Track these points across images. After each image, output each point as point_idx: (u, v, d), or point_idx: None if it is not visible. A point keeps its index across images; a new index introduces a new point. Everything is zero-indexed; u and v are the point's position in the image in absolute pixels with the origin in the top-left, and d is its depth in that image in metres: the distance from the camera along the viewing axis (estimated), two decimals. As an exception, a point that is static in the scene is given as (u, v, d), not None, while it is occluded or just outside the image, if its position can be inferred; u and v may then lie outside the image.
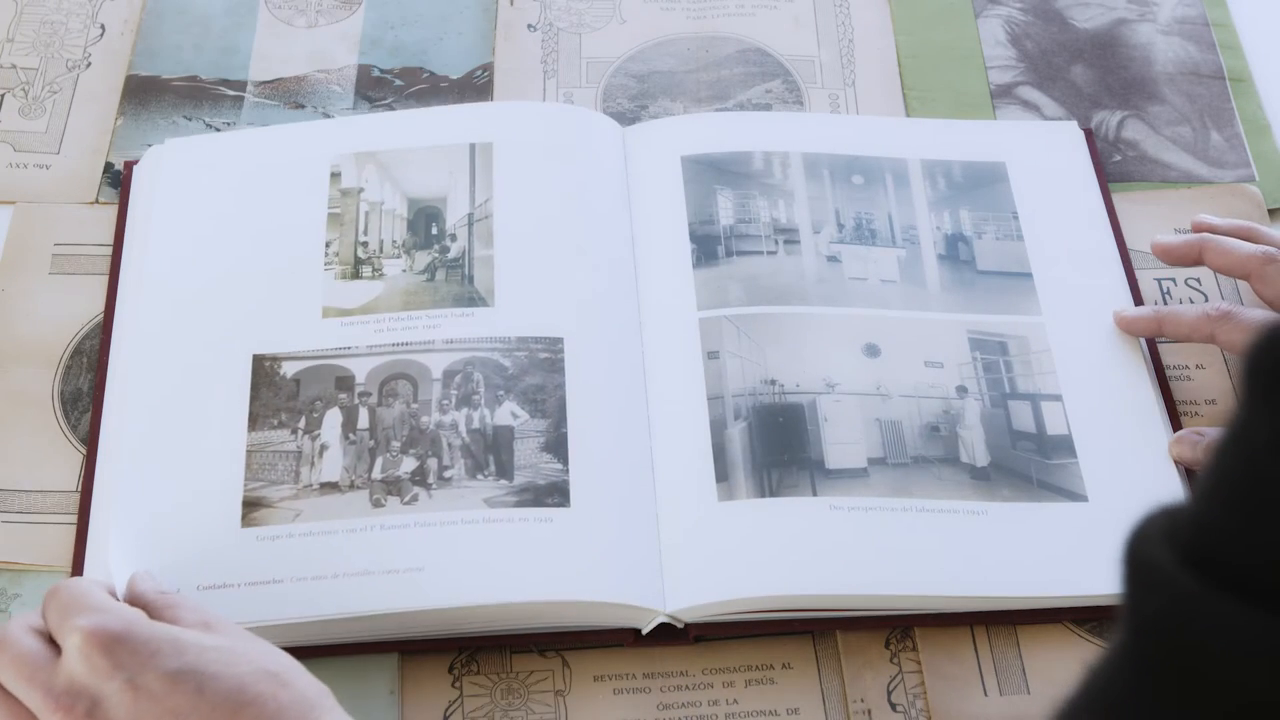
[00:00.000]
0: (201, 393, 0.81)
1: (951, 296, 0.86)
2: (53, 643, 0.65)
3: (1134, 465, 0.80)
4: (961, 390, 0.82)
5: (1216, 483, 0.46)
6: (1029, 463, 0.80)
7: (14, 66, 0.98)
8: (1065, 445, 0.81)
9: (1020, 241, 0.88)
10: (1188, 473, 0.81)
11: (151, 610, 0.68)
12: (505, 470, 0.78)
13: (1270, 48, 1.02)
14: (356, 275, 0.86)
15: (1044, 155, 0.93)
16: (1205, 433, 0.80)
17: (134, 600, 0.70)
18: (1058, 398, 0.82)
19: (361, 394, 0.81)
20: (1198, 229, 0.86)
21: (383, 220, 0.88)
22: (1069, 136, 0.94)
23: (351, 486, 0.78)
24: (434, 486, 0.78)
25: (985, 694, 0.75)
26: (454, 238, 0.87)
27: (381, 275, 0.86)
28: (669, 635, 0.75)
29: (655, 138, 0.92)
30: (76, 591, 0.66)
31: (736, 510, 0.77)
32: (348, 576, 0.74)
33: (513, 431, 0.79)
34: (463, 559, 0.75)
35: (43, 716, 0.63)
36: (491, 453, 0.79)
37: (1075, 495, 0.79)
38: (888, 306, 0.85)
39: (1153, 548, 0.47)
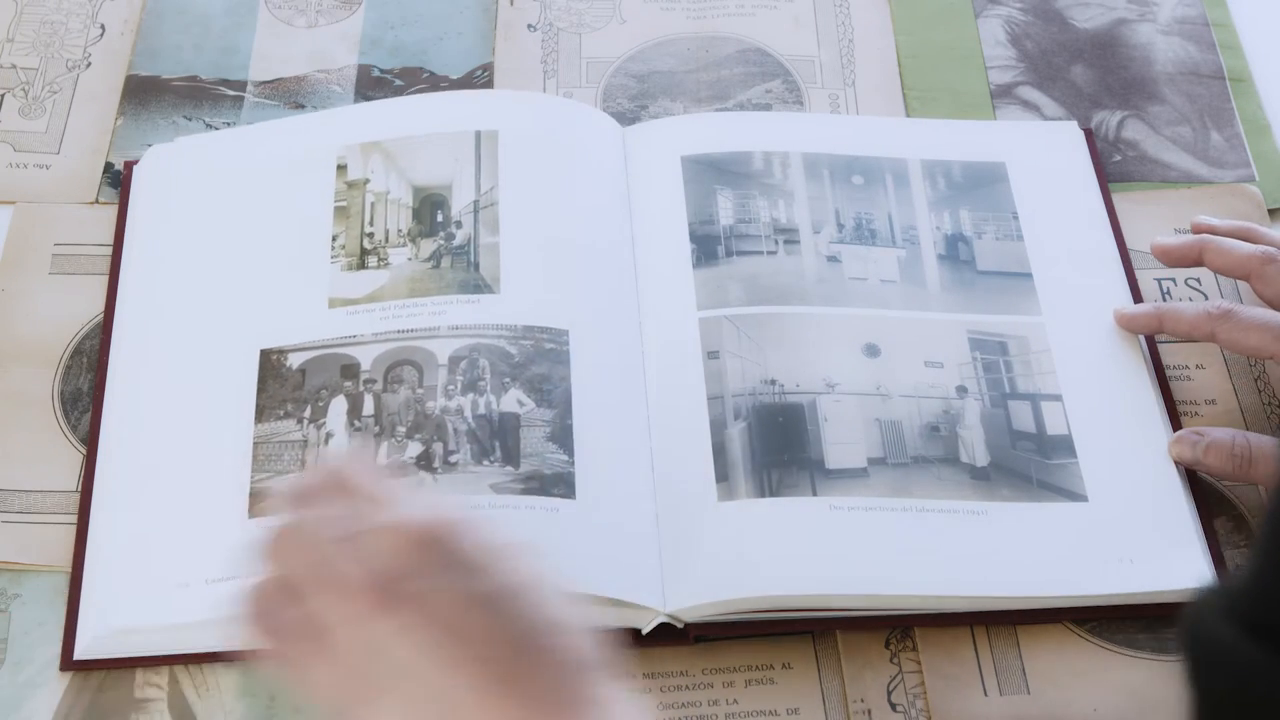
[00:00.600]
0: (208, 388, 0.82)
1: (951, 296, 0.86)
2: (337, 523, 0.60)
3: (1134, 465, 0.80)
4: (961, 390, 0.82)
5: (1270, 550, 0.46)
6: (1029, 463, 0.80)
7: (14, 66, 0.98)
8: (1065, 445, 0.81)
9: (1020, 242, 0.88)
10: (1188, 473, 0.81)
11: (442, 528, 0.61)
12: (511, 457, 0.78)
13: (1270, 48, 1.02)
14: (362, 266, 0.86)
15: (1044, 155, 0.93)
16: (1205, 433, 0.80)
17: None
18: (1058, 398, 0.82)
19: (367, 381, 0.81)
20: (1197, 230, 0.87)
21: (388, 209, 0.89)
22: (1069, 136, 0.94)
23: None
24: (439, 471, 0.78)
25: (985, 694, 0.75)
26: (459, 225, 0.87)
27: (387, 264, 0.86)
28: (669, 635, 0.75)
29: (655, 138, 0.92)
30: (388, 481, 0.61)
31: (736, 510, 0.78)
32: None
33: (518, 419, 0.79)
34: None
35: (338, 590, 0.58)
36: (497, 439, 0.79)
37: (1075, 495, 0.79)
38: (888, 306, 0.85)
39: (1214, 625, 0.46)
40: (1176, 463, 0.80)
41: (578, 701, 0.57)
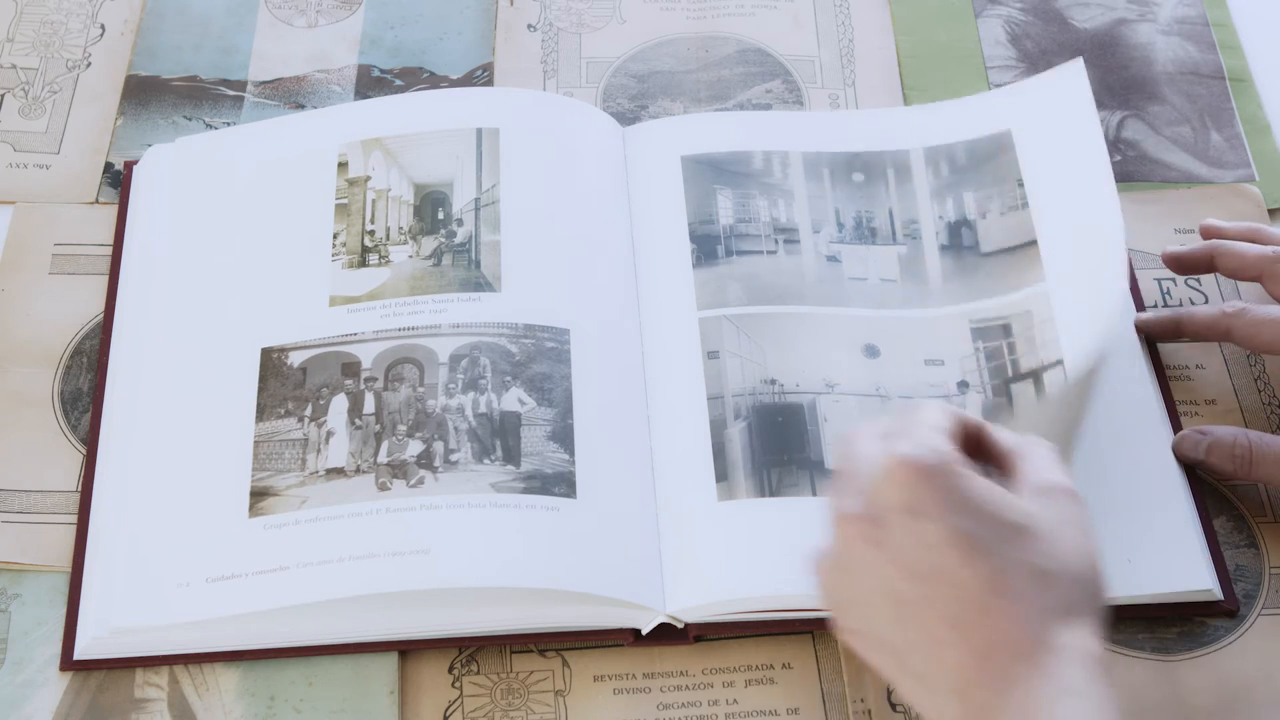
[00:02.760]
0: (208, 388, 0.82)
1: (954, 287, 0.86)
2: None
3: (1134, 465, 0.80)
4: (963, 385, 0.82)
5: None
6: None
7: (14, 66, 0.98)
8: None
9: (1025, 210, 0.88)
10: (1188, 473, 0.81)
11: (1001, 459, 0.65)
12: (512, 456, 0.78)
13: (1270, 48, 1.02)
14: (363, 264, 0.86)
15: (1049, 111, 0.90)
16: (1208, 432, 0.80)
17: (987, 445, 0.66)
18: (1059, 363, 0.82)
19: (367, 379, 0.81)
20: (1206, 234, 0.87)
21: (389, 207, 0.89)
22: (1072, 75, 0.91)
23: (358, 471, 0.78)
24: (440, 470, 0.78)
25: (985, 694, 0.74)
26: (460, 223, 0.87)
27: (388, 262, 0.86)
28: (669, 635, 0.75)
29: (655, 137, 0.92)
30: (923, 417, 0.64)
31: (736, 510, 0.78)
32: (353, 560, 0.74)
33: (519, 418, 0.79)
34: (469, 541, 0.75)
35: (840, 524, 0.64)
36: (498, 437, 0.79)
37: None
38: (888, 306, 0.85)
39: None
40: (1179, 461, 0.80)
41: (1036, 649, 0.58)
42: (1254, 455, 0.79)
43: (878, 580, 0.61)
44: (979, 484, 0.61)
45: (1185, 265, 0.87)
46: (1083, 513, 0.63)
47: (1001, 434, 0.66)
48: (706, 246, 0.87)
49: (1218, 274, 0.88)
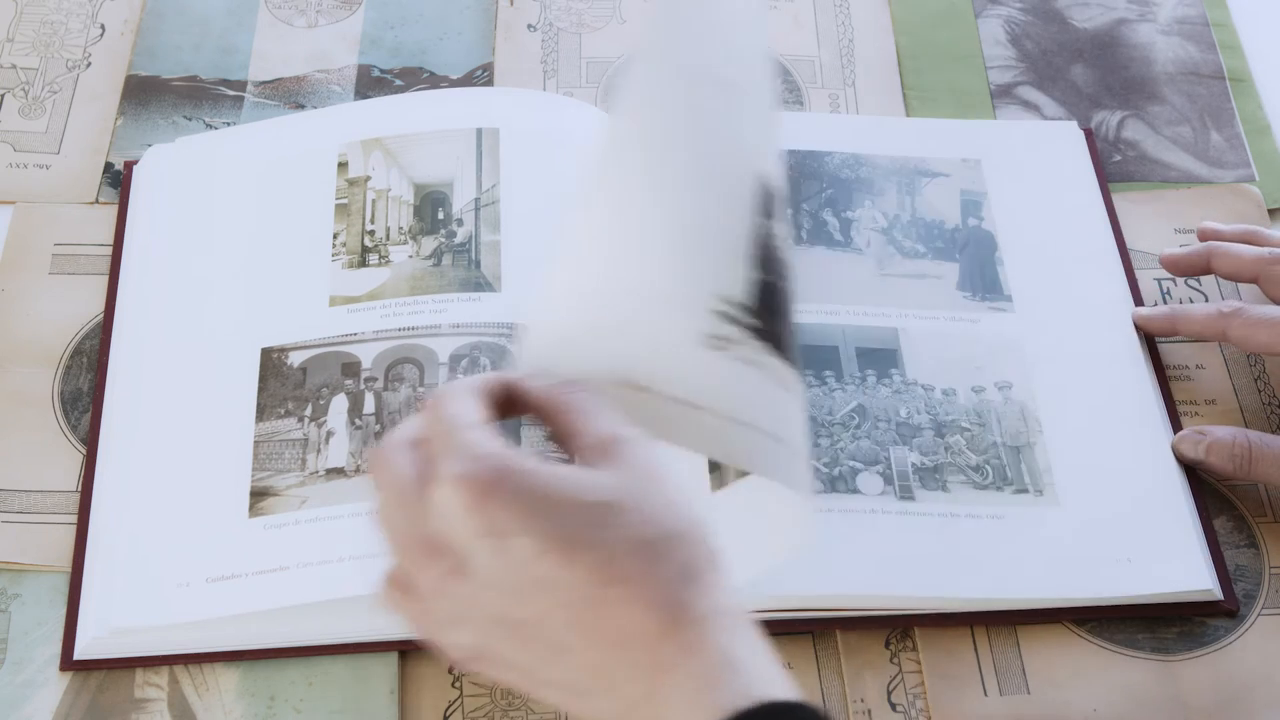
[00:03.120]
0: (208, 388, 0.82)
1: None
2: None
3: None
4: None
5: None
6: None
7: (14, 66, 0.98)
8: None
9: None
10: (1188, 473, 0.81)
11: (548, 414, 0.59)
12: None
13: (1270, 48, 1.02)
14: (363, 264, 0.86)
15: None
16: (1207, 432, 0.80)
17: (526, 404, 0.60)
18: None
19: (367, 379, 0.81)
20: (1203, 236, 0.87)
21: (389, 207, 0.89)
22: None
23: (358, 471, 0.78)
24: None
25: (985, 694, 0.75)
26: (460, 223, 0.87)
27: (388, 262, 0.86)
28: (669, 635, 0.75)
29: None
30: (450, 419, 0.57)
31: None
32: (353, 560, 0.74)
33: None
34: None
35: (410, 557, 0.57)
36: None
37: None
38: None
39: None
40: (1179, 461, 0.80)
41: (675, 625, 0.54)
42: (1253, 455, 0.79)
43: (479, 609, 0.56)
44: (546, 476, 0.55)
45: (1182, 268, 0.87)
46: (654, 460, 0.57)
47: (538, 387, 0.59)
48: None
49: (1224, 280, 0.88)
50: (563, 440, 0.59)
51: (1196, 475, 0.81)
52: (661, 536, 0.55)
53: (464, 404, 0.57)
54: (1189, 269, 0.87)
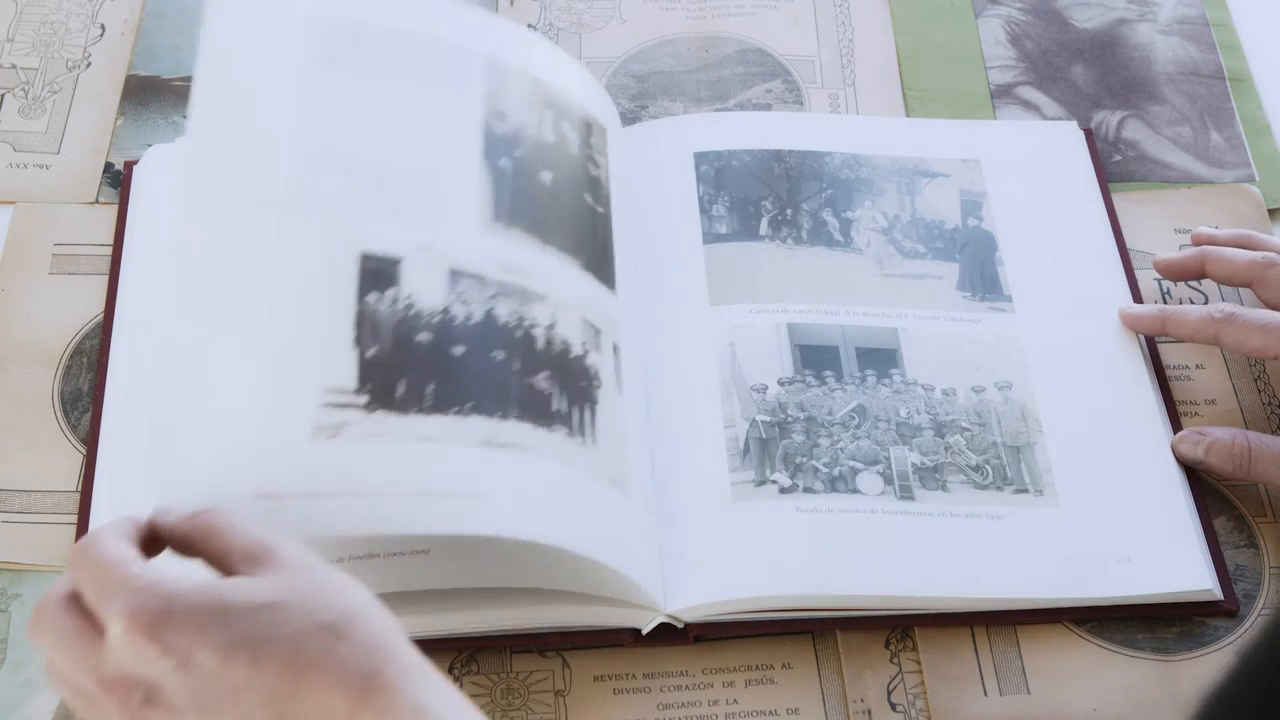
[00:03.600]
0: None
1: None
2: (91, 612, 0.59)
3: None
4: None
5: None
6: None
7: (14, 66, 0.98)
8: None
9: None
10: (1188, 473, 0.81)
11: (192, 544, 0.61)
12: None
13: (1270, 48, 1.02)
14: None
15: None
16: (1207, 432, 0.81)
17: (168, 539, 0.62)
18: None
19: None
20: (1198, 241, 0.88)
21: None
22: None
23: None
24: None
25: (985, 694, 0.75)
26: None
27: None
28: (669, 635, 0.75)
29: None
30: (104, 562, 0.58)
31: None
32: (353, 560, 0.73)
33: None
34: (469, 543, 0.71)
35: (98, 702, 0.59)
36: None
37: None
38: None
39: None
40: (1179, 461, 0.80)
41: (369, 693, 0.57)
42: (1253, 455, 0.79)
43: None
44: (213, 591, 0.58)
45: (1176, 272, 0.87)
46: (307, 555, 0.60)
47: (175, 519, 0.62)
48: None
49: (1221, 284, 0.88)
50: (216, 563, 0.61)
51: (1196, 475, 0.81)
52: (339, 618, 0.58)
53: (114, 546, 0.59)
54: (1183, 273, 0.87)
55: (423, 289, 0.72)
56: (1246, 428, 0.83)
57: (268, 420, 0.66)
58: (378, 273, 0.71)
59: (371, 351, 0.69)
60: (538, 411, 0.72)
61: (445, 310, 0.72)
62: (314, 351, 0.68)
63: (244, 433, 0.66)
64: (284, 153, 0.72)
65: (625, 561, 0.72)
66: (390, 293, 0.71)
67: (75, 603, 0.59)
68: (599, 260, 0.81)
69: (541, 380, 0.73)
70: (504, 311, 0.74)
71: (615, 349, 0.79)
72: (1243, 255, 0.84)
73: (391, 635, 0.59)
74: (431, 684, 0.58)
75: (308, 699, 0.57)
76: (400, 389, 0.69)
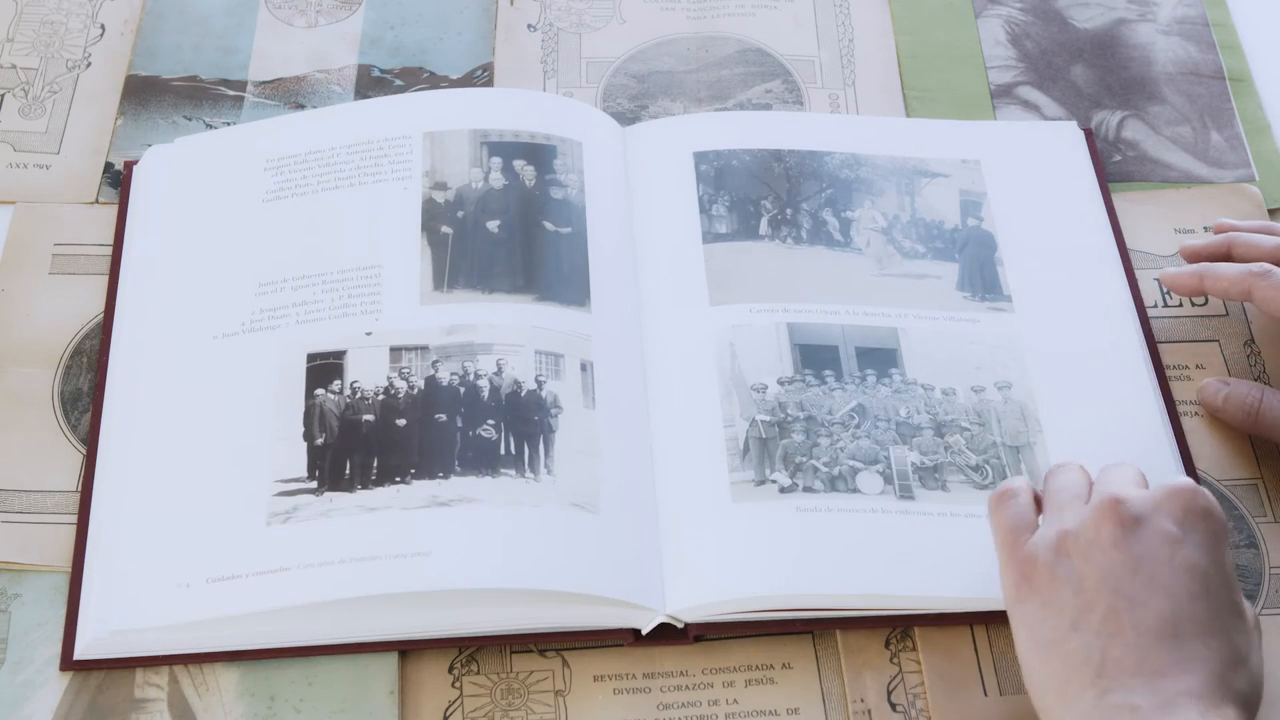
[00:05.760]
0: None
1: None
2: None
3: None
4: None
5: None
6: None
7: (14, 66, 0.98)
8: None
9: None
10: (1188, 473, 0.81)
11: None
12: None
13: (1270, 48, 1.02)
14: None
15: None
16: (1230, 383, 0.83)
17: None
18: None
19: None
20: (1220, 230, 0.88)
21: None
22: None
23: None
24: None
25: (985, 694, 0.75)
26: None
27: None
28: (669, 635, 0.75)
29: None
30: (1119, 470, 0.71)
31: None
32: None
33: None
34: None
35: (1013, 549, 0.70)
36: None
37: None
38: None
39: None
40: (1202, 406, 0.84)
41: (1204, 697, 0.63)
42: (1261, 407, 0.81)
43: (1108, 563, 0.66)
44: (1226, 545, 0.68)
45: (1203, 256, 0.87)
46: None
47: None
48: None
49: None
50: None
51: (1196, 475, 0.81)
52: (1243, 654, 0.66)
53: (1129, 467, 0.73)
54: (1210, 258, 0.87)
55: (366, 372, 0.80)
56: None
57: (226, 514, 0.76)
58: (324, 368, 0.80)
59: (320, 440, 0.78)
60: (482, 461, 0.77)
61: (388, 387, 0.80)
62: (267, 448, 0.78)
63: (205, 526, 0.76)
64: (237, 286, 0.84)
65: (592, 582, 0.74)
66: (335, 385, 0.80)
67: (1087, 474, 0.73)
68: (564, 284, 0.83)
69: (487, 429, 0.78)
70: (445, 374, 0.80)
71: (586, 367, 0.81)
72: (1269, 240, 0.85)
73: (1234, 689, 0.65)
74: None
75: (1177, 654, 0.64)
76: (347, 469, 0.77)
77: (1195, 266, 0.86)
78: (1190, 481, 0.69)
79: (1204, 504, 0.68)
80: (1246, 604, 0.68)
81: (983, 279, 0.88)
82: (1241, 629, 0.66)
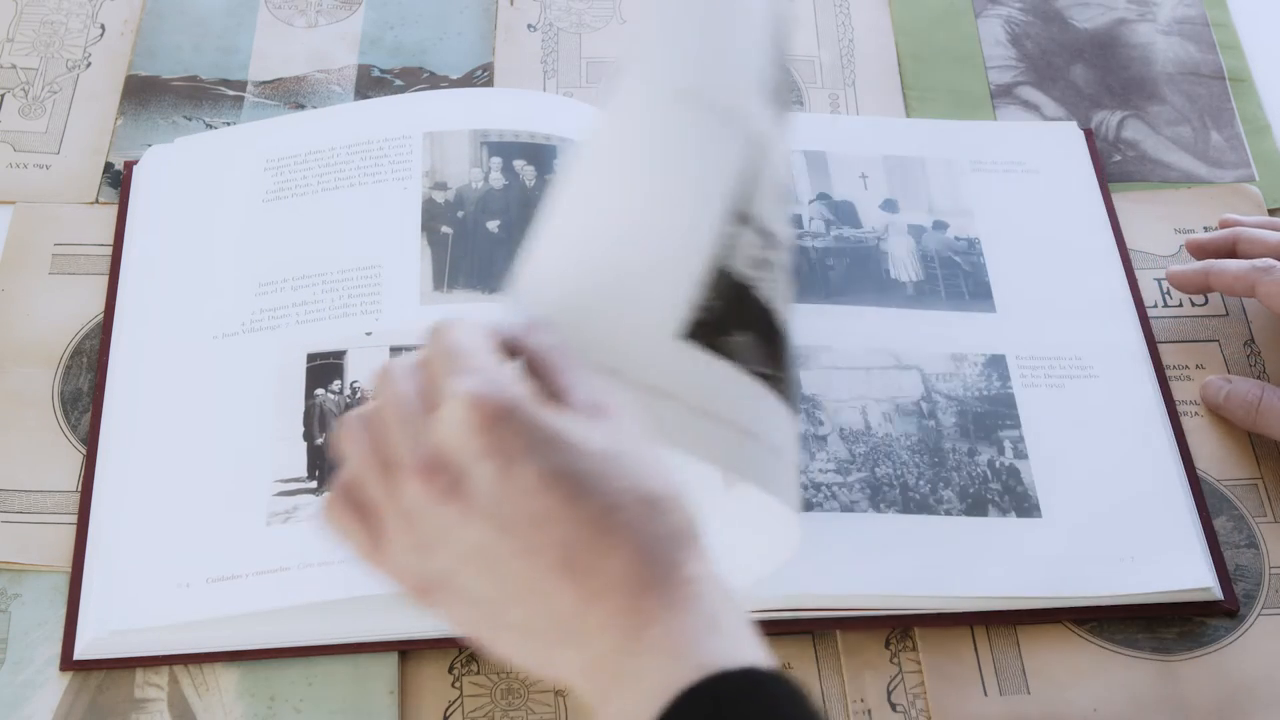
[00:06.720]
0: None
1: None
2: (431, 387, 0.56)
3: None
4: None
5: None
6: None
7: (14, 66, 0.98)
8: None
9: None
10: (1188, 473, 0.81)
11: (539, 369, 0.58)
12: None
13: (1270, 48, 1.02)
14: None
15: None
16: (1233, 380, 0.83)
17: (519, 350, 0.58)
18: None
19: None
20: (1226, 225, 0.88)
21: None
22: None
23: None
24: None
25: (985, 694, 0.75)
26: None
27: None
28: (669, 635, 0.75)
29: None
30: (464, 342, 0.56)
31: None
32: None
33: None
34: None
35: (400, 473, 0.55)
36: None
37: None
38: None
39: None
40: (1203, 403, 0.84)
41: (664, 582, 0.54)
42: (1261, 405, 0.81)
43: (460, 535, 0.54)
44: (555, 416, 0.55)
45: (1209, 251, 0.88)
46: (634, 424, 0.57)
47: (537, 340, 0.59)
48: None
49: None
50: (551, 397, 0.57)
51: (1196, 475, 0.81)
52: (661, 495, 0.55)
53: (476, 335, 0.57)
54: (1215, 252, 0.87)
55: (366, 372, 0.80)
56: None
57: (226, 514, 0.76)
58: (324, 368, 0.81)
59: (320, 440, 0.79)
60: None
61: None
62: (267, 448, 0.78)
63: (205, 526, 0.76)
64: (237, 286, 0.84)
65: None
66: (336, 385, 0.80)
67: (422, 370, 0.57)
68: None
69: None
70: None
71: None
72: (1273, 236, 0.85)
73: (698, 536, 0.56)
74: (726, 600, 0.55)
75: (602, 560, 0.53)
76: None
77: (1201, 264, 0.86)
78: (469, 390, 0.54)
79: (494, 408, 0.54)
80: (608, 432, 0.55)
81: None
82: (628, 473, 0.54)
